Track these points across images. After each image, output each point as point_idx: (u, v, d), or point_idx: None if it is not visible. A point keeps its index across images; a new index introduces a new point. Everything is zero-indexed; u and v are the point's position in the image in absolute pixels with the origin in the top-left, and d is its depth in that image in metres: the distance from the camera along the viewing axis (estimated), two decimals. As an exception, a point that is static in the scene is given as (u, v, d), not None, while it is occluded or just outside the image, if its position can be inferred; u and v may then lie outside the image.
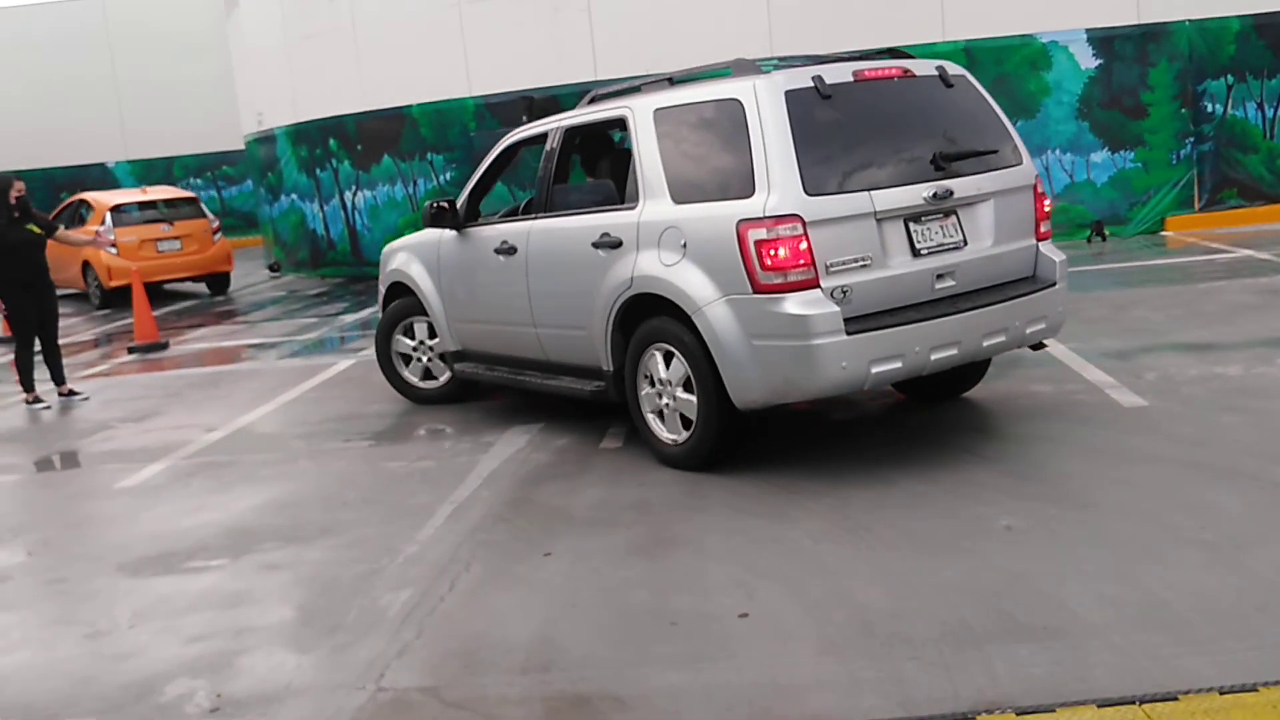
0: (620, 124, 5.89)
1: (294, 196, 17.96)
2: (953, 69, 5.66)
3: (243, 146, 21.53)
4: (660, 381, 5.59)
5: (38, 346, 9.00)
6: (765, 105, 5.07)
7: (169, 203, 16.97)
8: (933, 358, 5.18)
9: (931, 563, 4.25)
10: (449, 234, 6.95)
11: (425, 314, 7.34)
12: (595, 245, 5.78)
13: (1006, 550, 4.31)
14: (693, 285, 5.23)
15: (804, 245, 4.92)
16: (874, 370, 5.02)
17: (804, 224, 4.92)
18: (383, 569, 4.67)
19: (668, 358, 5.55)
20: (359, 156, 16.38)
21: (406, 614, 4.18)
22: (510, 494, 5.57)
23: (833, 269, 5.00)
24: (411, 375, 7.64)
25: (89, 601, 4.63)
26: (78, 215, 16.99)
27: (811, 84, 5.16)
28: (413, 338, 7.57)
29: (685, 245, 5.30)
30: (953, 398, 6.51)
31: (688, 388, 5.46)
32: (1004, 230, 5.52)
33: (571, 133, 6.37)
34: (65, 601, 4.66)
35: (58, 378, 9.11)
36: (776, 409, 5.51)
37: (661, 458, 5.73)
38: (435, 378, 7.58)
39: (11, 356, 9.10)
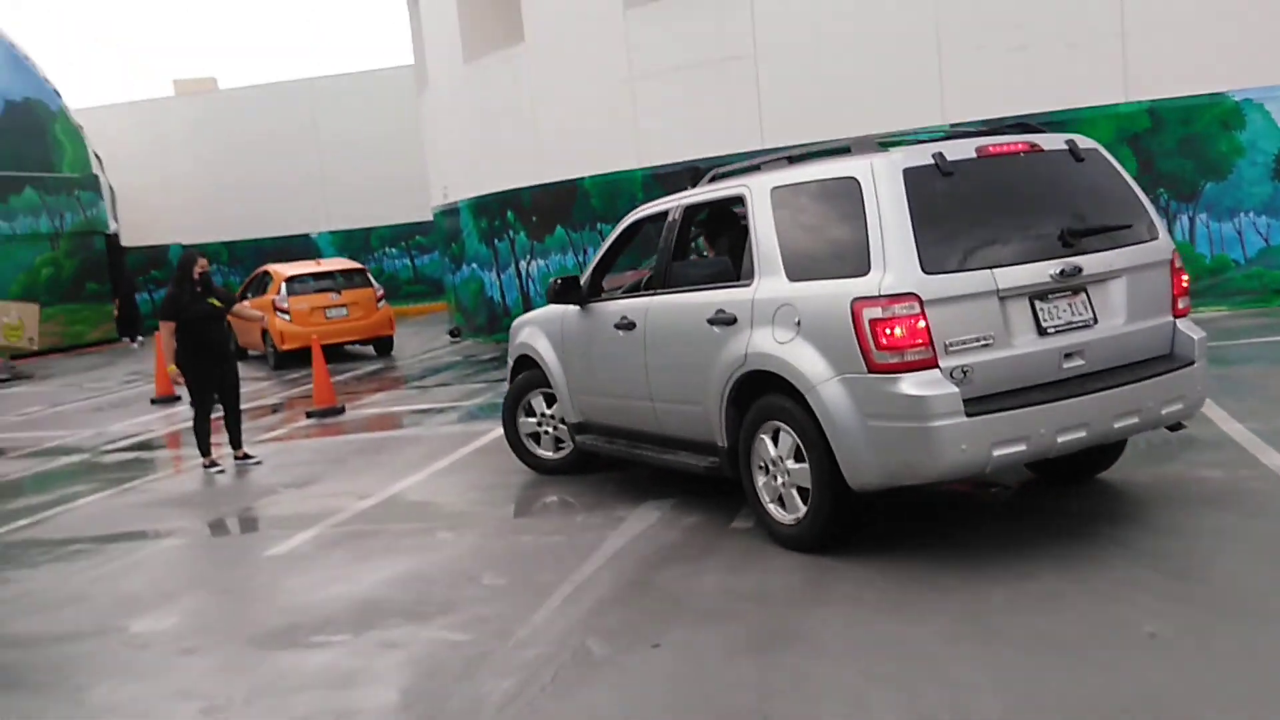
0: (738, 201, 5.85)
1: (474, 265, 18.63)
2: (1084, 142, 5.40)
3: (432, 217, 22.54)
4: (774, 460, 5.46)
5: (217, 413, 9.54)
6: (882, 183, 4.93)
7: (340, 273, 18.45)
8: (1059, 440, 4.90)
9: (1061, 673, 3.92)
10: (572, 309, 7.06)
11: (549, 386, 7.45)
12: (711, 321, 5.73)
13: (1147, 661, 3.95)
14: (806, 363, 5.11)
15: (921, 324, 4.74)
16: (996, 453, 4.78)
17: (921, 303, 4.75)
18: (492, 653, 4.66)
19: (779, 435, 5.42)
20: (533, 227, 16.87)
21: (503, 705, 4.14)
22: (631, 575, 5.50)
23: (952, 348, 4.80)
24: (545, 450, 7.76)
25: (213, 674, 4.78)
26: (262, 285, 18.69)
27: (931, 161, 5.01)
28: (533, 414, 7.74)
29: (799, 323, 5.19)
30: (1087, 479, 6.14)
31: (799, 460, 5.32)
32: (1138, 307, 5.20)
33: (691, 210, 6.38)
34: (191, 673, 4.84)
35: (235, 442, 9.63)
36: (902, 489, 5.28)
37: (777, 537, 5.58)
38: (562, 448, 7.67)
39: (192, 422, 9.67)
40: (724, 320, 5.66)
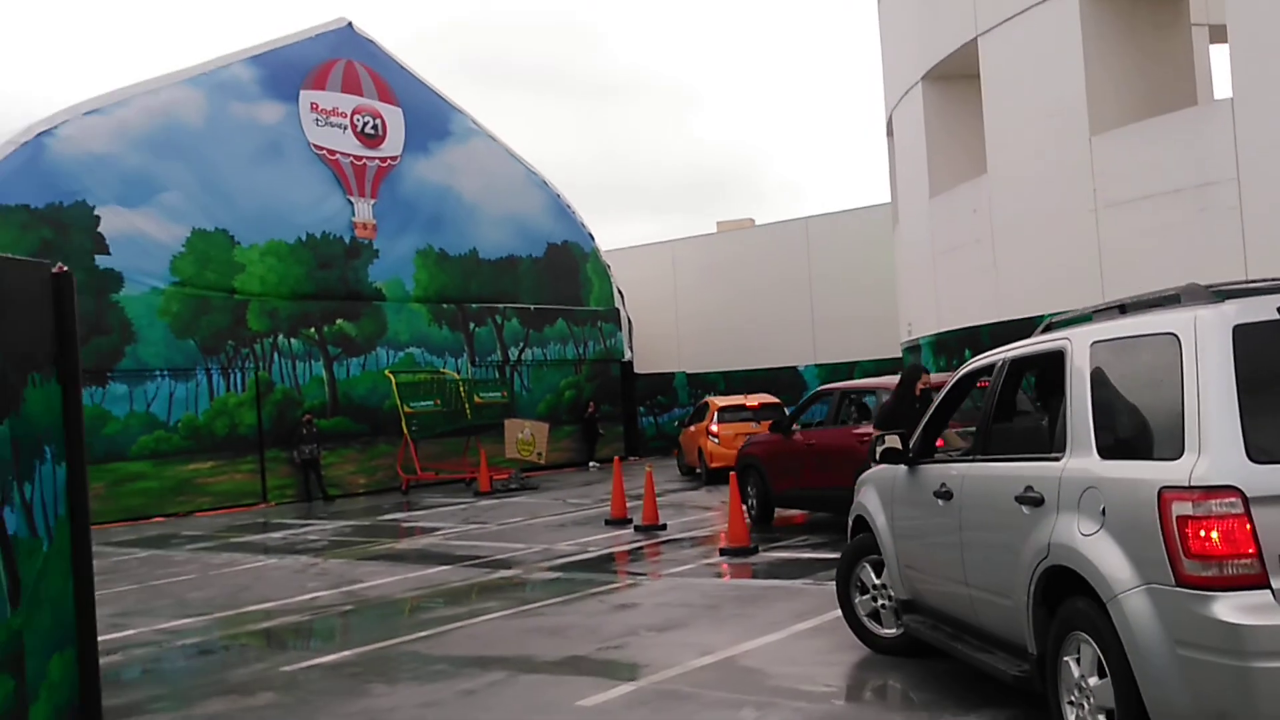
0: (1061, 357, 4.92)
1: (933, 405, 17.84)
2: None
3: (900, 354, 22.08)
4: (1080, 681, 4.40)
5: None
6: (1206, 342, 3.89)
7: (762, 406, 21.42)
8: None
9: None
10: (902, 469, 6.32)
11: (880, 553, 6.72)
12: (1019, 499, 4.83)
13: None
14: (1109, 564, 4.10)
15: (1246, 528, 3.62)
16: None
17: (1245, 500, 3.64)
18: None
19: (1086, 649, 4.37)
20: (990, 367, 15.84)
21: None
22: None
23: None
24: (883, 627, 7.00)
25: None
26: (701, 413, 22.43)
27: (1276, 316, 3.87)
28: (866, 590, 7.00)
29: (1104, 511, 4.19)
30: None
31: (1103, 675, 4.26)
32: None
33: (1017, 365, 5.48)
34: None
35: None
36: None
37: (1085, 784, 4.46)
38: (901, 624, 6.85)
39: None
40: (1032, 500, 4.75)
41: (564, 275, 30.55)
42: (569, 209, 30.87)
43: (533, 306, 29.46)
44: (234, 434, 23.45)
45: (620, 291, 31.93)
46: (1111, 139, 13.51)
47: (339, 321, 25.40)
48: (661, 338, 33.12)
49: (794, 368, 29.93)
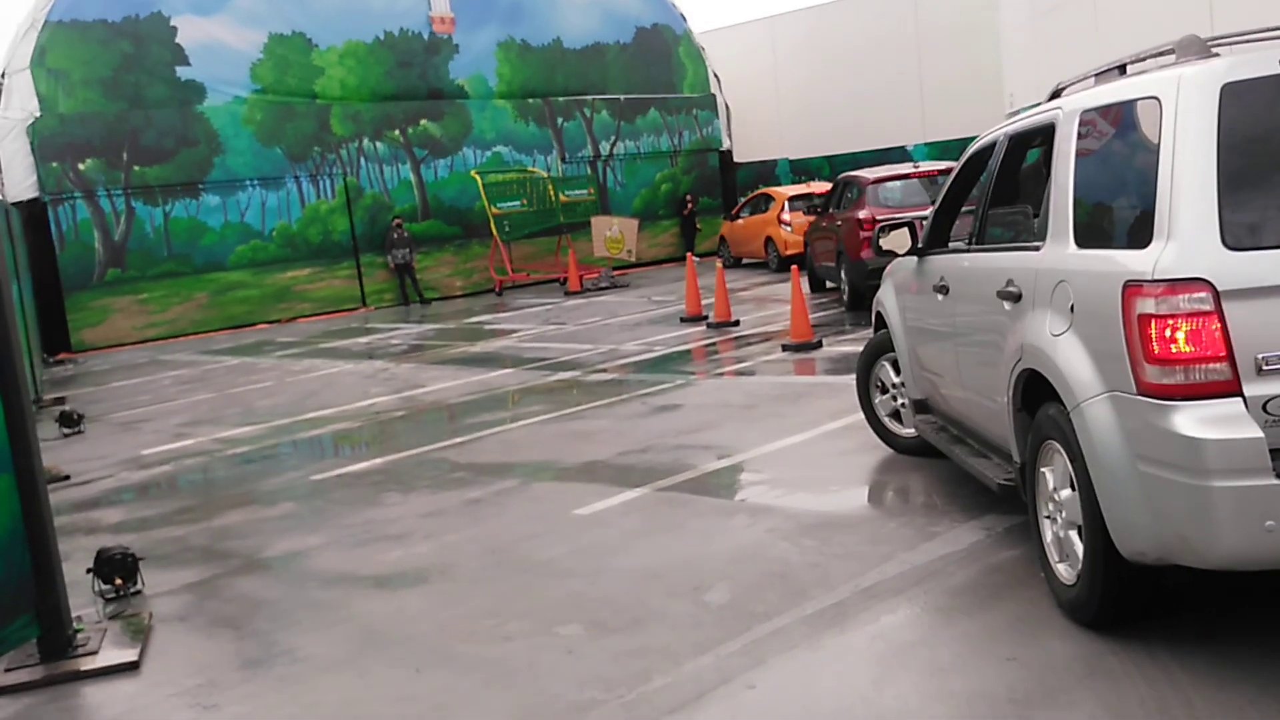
0: (1051, 131, 4.21)
1: (1031, 183, 16.71)
2: None
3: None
4: (1054, 493, 3.93)
5: None
6: (1187, 106, 3.18)
7: (824, 194, 20.47)
8: None
9: None
10: (914, 261, 5.72)
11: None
12: (1000, 295, 4.24)
13: None
14: (1074, 369, 3.54)
15: (1214, 327, 3.02)
16: None
17: (1215, 295, 3.02)
18: (647, 688, 3.94)
19: (1059, 460, 3.87)
20: (1088, 139, 14.61)
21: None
22: (845, 624, 4.30)
23: (1268, 369, 3.01)
24: (903, 426, 6.52)
25: (396, 666, 4.62)
26: (758, 205, 22.91)
27: (1276, 71, 3.13)
28: (885, 389, 6.50)
29: (1073, 309, 3.61)
30: None
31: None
32: None
33: (1016, 142, 4.76)
34: (386, 658, 4.71)
35: None
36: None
37: (1057, 601, 4.04)
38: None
39: None
40: (1011, 295, 4.17)
41: (655, 61, 29.29)
42: (658, -12, 29.32)
43: (623, 97, 28.43)
44: (328, 240, 23.66)
45: (716, 76, 30.55)
46: None
47: (423, 122, 24.98)
48: (762, 124, 31.71)
49: (902, 147, 28.40)
